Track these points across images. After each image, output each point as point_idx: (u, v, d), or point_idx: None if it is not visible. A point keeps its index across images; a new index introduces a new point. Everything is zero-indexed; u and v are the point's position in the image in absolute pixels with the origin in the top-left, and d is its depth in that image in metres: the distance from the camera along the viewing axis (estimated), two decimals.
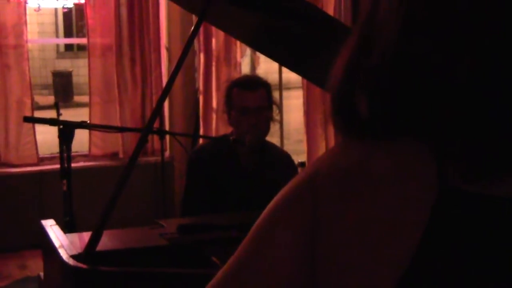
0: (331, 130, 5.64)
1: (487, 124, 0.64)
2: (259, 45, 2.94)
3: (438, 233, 0.63)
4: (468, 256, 0.63)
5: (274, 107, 2.97)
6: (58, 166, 3.11)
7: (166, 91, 2.32)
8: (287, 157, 3.11)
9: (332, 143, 5.60)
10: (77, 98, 15.29)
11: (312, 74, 2.79)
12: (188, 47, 2.26)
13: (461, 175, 0.65)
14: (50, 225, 2.32)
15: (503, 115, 0.63)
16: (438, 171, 0.65)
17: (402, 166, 0.66)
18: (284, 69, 5.84)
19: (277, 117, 3.02)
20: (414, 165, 0.66)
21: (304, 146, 5.80)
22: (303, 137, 5.75)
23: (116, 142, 5.35)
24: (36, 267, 4.43)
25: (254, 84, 2.94)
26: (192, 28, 2.32)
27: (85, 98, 6.85)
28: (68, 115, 3.61)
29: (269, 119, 2.92)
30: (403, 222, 0.64)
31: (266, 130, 2.94)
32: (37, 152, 5.20)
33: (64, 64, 17.49)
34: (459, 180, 0.65)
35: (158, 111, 2.34)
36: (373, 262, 0.64)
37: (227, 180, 2.88)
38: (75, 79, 16.18)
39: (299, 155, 5.76)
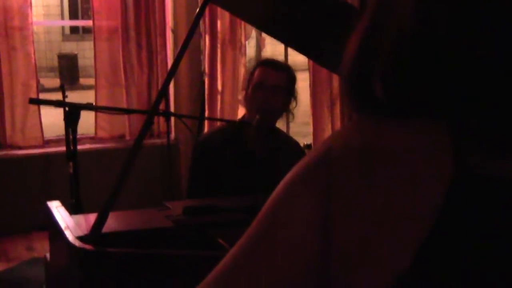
0: (337, 112, 5.63)
1: (506, 102, 0.63)
2: (266, 27, 2.92)
3: (453, 213, 0.63)
4: (483, 238, 0.62)
5: (293, 101, 2.93)
6: (64, 148, 3.11)
7: (171, 73, 2.31)
8: (296, 145, 3.08)
9: (338, 125, 5.59)
10: (82, 81, 15.29)
11: (320, 56, 2.78)
12: (193, 29, 2.25)
13: (478, 156, 0.64)
14: (56, 207, 2.33)
15: None
16: (454, 151, 0.64)
17: (418, 144, 0.66)
18: (290, 52, 5.81)
19: (293, 111, 2.97)
20: (430, 143, 0.65)
21: (310, 128, 5.79)
22: (309, 119, 5.75)
23: (122, 125, 5.36)
24: (43, 248, 4.46)
25: (279, 65, 2.93)
26: (197, 10, 2.31)
27: (91, 81, 6.85)
28: (74, 97, 3.60)
29: (284, 104, 2.88)
30: (418, 201, 0.64)
31: (278, 113, 2.90)
32: (42, 135, 5.21)
33: (69, 47, 17.47)
34: (475, 161, 0.64)
35: (163, 93, 2.34)
36: (387, 240, 0.64)
37: (233, 166, 2.86)
38: (80, 61, 16.17)
39: (305, 137, 5.76)
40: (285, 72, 2.89)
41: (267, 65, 2.90)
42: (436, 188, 0.63)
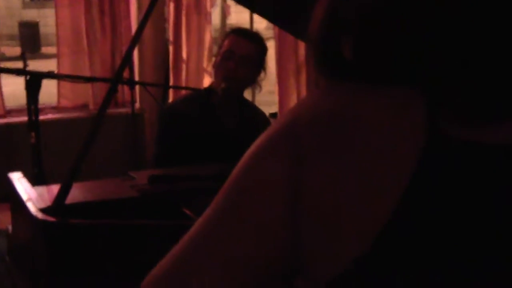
0: (303, 80, 5.61)
1: (481, 67, 0.61)
2: None
3: (426, 178, 0.62)
4: (455, 202, 0.61)
5: (262, 73, 2.89)
6: (25, 118, 3.05)
7: (135, 41, 2.27)
8: (263, 115, 3.07)
9: (304, 93, 5.58)
10: (44, 50, 15.00)
11: (287, 23, 2.74)
12: None
13: (452, 120, 0.63)
14: (18, 178, 2.28)
15: (499, 56, 0.61)
16: (428, 115, 0.63)
17: (391, 108, 0.64)
18: (256, 19, 5.76)
19: (260, 83, 2.94)
20: (403, 107, 0.64)
21: (275, 97, 5.76)
22: (275, 88, 5.72)
23: (86, 94, 5.28)
24: (5, 220, 4.39)
25: (251, 35, 2.88)
26: None
27: (53, 49, 6.72)
28: (36, 66, 3.53)
29: (252, 75, 2.84)
30: (391, 165, 0.63)
31: (245, 84, 2.87)
32: (3, 104, 5.10)
33: (30, 14, 17.10)
34: (449, 126, 0.63)
35: (127, 61, 2.29)
36: (359, 205, 0.63)
37: (200, 134, 2.83)
38: (42, 29, 15.85)
39: (270, 106, 5.74)
40: (257, 43, 2.85)
41: (239, 34, 2.85)
42: (409, 153, 0.62)
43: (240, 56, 2.78)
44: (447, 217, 0.61)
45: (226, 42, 2.83)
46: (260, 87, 2.93)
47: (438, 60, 0.63)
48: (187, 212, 2.00)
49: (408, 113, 0.64)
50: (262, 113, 3.09)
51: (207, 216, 0.71)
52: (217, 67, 2.84)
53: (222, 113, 2.86)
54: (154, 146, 2.98)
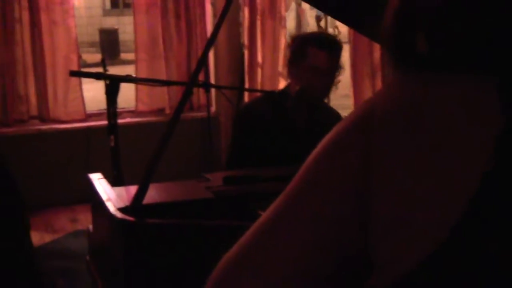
0: (378, 84, 5.54)
1: None
2: None
3: (502, 166, 0.60)
4: None
5: (341, 71, 2.90)
6: (105, 122, 3.13)
7: (210, 45, 2.30)
8: (337, 116, 3.05)
9: None
10: (123, 56, 15.39)
11: (362, 24, 2.71)
12: (230, 1, 2.22)
13: None
14: (98, 179, 2.35)
15: None
16: (502, 108, 0.62)
17: (465, 100, 0.63)
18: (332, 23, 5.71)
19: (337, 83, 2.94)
20: (477, 99, 0.63)
21: (350, 101, 5.72)
22: (349, 92, 5.68)
23: (163, 98, 5.38)
24: (86, 220, 4.51)
25: (332, 46, 2.83)
26: None
27: (131, 56, 6.88)
28: (115, 72, 3.61)
29: (332, 82, 2.85)
30: (466, 156, 0.61)
31: (327, 92, 2.89)
32: (84, 108, 5.26)
33: (110, 22, 17.57)
34: None
35: (202, 64, 2.32)
36: (433, 198, 0.62)
37: (275, 136, 2.84)
38: (121, 36, 16.26)
39: (345, 110, 5.69)
40: (338, 51, 2.84)
41: (322, 47, 2.79)
42: (483, 145, 0.61)
43: (322, 70, 2.78)
44: None
45: (309, 55, 2.79)
46: (336, 87, 2.92)
47: None
48: (261, 214, 2.01)
49: (483, 104, 0.62)
50: (336, 113, 3.07)
51: (275, 207, 0.71)
52: (294, 75, 2.84)
53: (294, 114, 2.87)
54: (229, 146, 3.01)
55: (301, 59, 2.81)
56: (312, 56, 2.79)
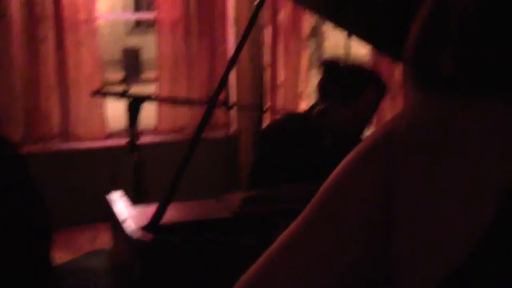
0: (399, 105, 5.52)
1: None
2: (331, 15, 2.86)
3: None
4: None
5: None
6: (126, 141, 3.14)
7: (231, 64, 2.30)
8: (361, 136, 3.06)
9: None
10: (145, 75, 15.51)
11: (384, 44, 2.71)
12: (253, 20, 2.23)
13: None
14: (119, 196, 2.35)
15: None
16: None
17: (489, 124, 0.63)
18: (353, 44, 5.72)
19: None
20: (501, 124, 0.62)
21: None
22: None
23: (184, 117, 5.39)
24: (107, 239, 4.52)
25: (386, 86, 2.91)
26: (258, 0, 2.29)
27: (153, 74, 6.92)
28: (137, 90, 3.64)
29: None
30: (489, 175, 0.61)
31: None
32: (106, 127, 5.29)
33: (134, 41, 17.73)
34: None
35: (223, 83, 2.33)
36: (453, 217, 0.61)
37: (298, 154, 2.84)
38: (145, 55, 16.39)
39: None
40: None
41: (383, 90, 2.89)
42: (506, 167, 0.60)
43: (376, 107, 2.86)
44: None
45: (369, 93, 2.85)
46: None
47: None
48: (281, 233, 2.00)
49: (505, 126, 0.62)
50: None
51: (294, 228, 0.71)
52: (349, 116, 2.88)
53: (319, 134, 2.87)
54: (252, 164, 3.01)
55: (359, 94, 2.86)
56: (372, 97, 2.87)
